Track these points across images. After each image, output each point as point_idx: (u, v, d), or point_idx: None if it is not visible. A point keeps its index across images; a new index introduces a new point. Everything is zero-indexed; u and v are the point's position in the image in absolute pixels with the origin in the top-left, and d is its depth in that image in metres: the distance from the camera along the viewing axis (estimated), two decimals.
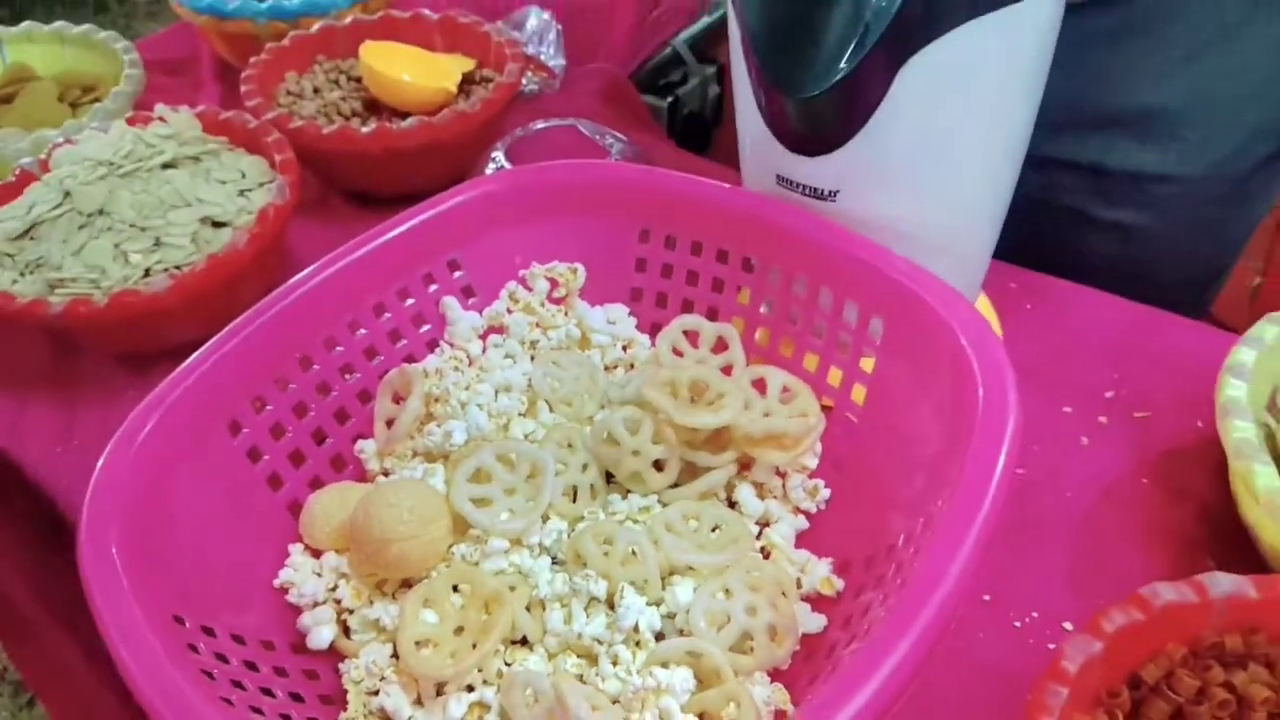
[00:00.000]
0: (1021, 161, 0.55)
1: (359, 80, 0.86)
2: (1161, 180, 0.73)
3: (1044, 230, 0.74)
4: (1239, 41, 0.68)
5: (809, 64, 0.48)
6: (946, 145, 0.50)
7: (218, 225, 0.65)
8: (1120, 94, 0.71)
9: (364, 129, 0.74)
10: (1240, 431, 0.46)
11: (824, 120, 0.50)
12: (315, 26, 0.88)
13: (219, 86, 0.97)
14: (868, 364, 0.52)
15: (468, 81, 0.85)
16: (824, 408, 0.53)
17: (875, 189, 0.52)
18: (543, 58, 1.00)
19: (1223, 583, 0.40)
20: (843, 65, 0.47)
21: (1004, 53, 0.47)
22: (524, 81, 0.95)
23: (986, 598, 0.50)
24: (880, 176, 0.52)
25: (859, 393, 0.53)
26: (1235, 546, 0.50)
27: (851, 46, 0.47)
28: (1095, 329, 0.64)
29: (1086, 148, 0.74)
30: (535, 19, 1.03)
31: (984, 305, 0.64)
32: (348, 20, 0.89)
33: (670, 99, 1.11)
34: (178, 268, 0.62)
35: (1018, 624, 0.49)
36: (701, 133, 1.18)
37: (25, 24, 0.93)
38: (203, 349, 0.50)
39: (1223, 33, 0.68)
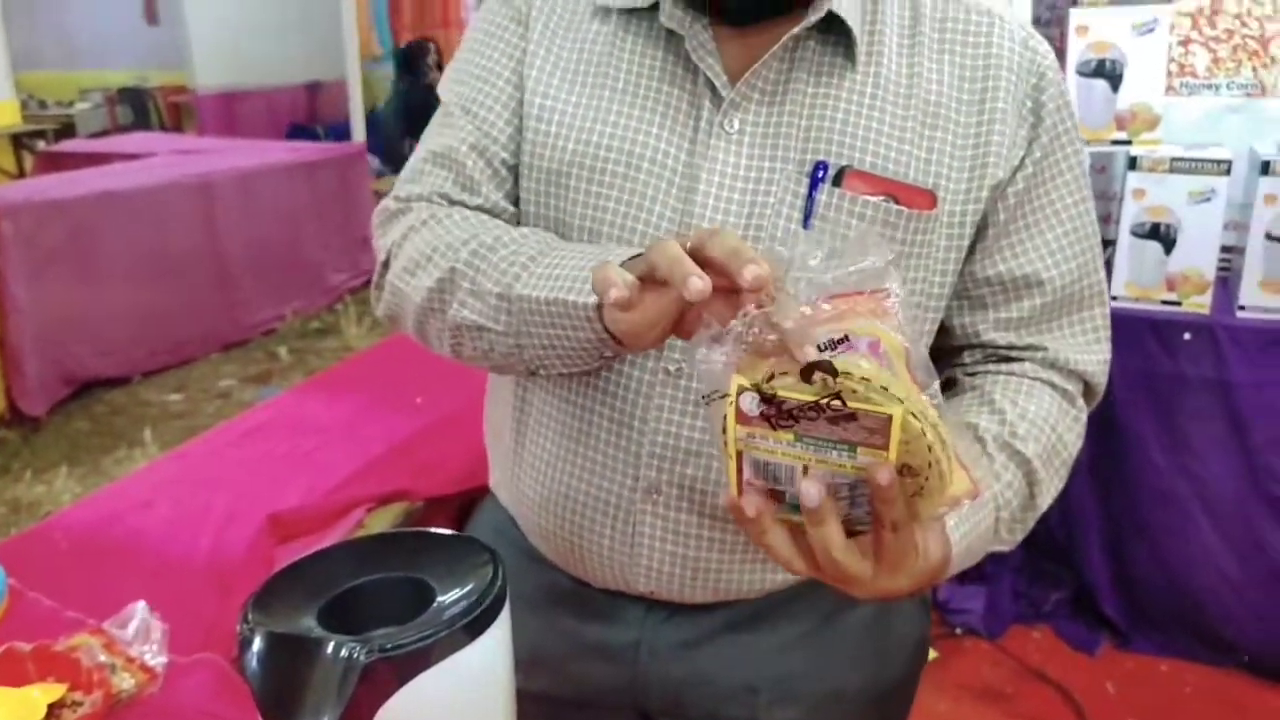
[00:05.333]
0: None
1: None
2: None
3: None
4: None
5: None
6: None
7: None
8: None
9: None
10: None
11: None
12: None
13: None
14: None
15: (59, 706, 0.91)
16: None
17: None
18: (146, 658, 1.07)
19: None
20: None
21: (448, 694, 0.64)
22: (123, 685, 1.02)
23: None
24: None
25: None
26: None
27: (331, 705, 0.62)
28: None
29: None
30: (139, 618, 1.11)
31: None
32: None
33: None
34: None
35: None
36: None
37: None
38: None
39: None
